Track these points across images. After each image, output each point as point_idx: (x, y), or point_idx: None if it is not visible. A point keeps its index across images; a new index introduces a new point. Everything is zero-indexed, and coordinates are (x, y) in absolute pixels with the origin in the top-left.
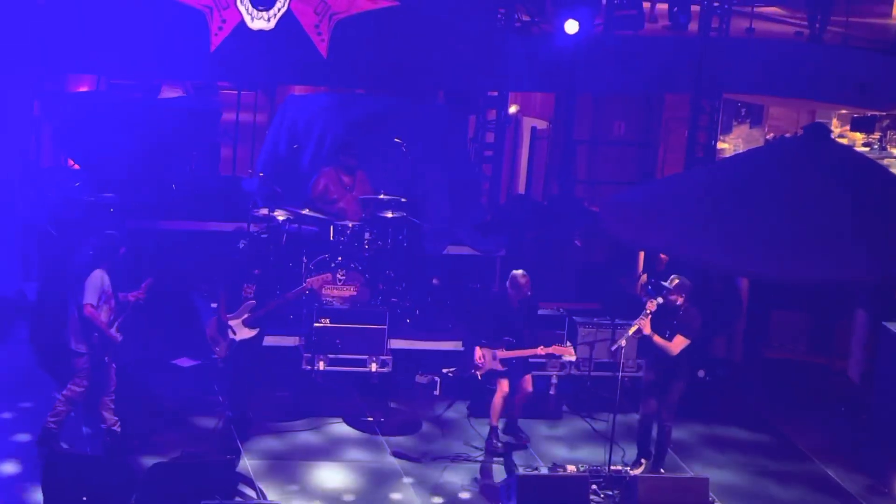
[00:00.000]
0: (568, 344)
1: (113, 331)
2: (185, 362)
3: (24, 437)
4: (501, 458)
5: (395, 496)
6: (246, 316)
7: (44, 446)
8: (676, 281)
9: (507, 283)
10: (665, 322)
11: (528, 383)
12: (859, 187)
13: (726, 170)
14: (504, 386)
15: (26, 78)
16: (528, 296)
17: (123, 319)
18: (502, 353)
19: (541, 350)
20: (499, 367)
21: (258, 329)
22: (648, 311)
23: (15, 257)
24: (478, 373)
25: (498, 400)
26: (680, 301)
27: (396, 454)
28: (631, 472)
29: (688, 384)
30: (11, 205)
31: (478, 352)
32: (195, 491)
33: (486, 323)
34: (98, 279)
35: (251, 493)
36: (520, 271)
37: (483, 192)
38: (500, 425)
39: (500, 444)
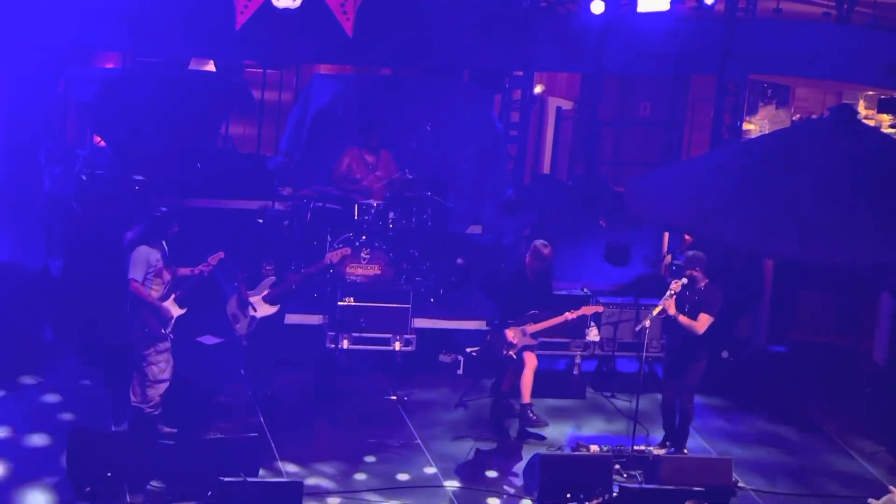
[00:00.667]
0: (595, 303)
1: (167, 304)
2: (209, 340)
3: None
4: (527, 438)
5: (420, 476)
6: (266, 292)
7: (146, 432)
8: (689, 254)
9: (528, 254)
10: (686, 299)
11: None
12: (885, 169)
13: (752, 151)
14: (533, 360)
15: (52, 55)
16: (544, 267)
17: (183, 293)
18: (532, 328)
19: (570, 315)
20: (530, 341)
21: (279, 306)
22: (673, 291)
23: (40, 234)
24: (511, 352)
25: (528, 375)
26: (698, 275)
27: (420, 433)
28: (654, 452)
29: (709, 364)
30: (37, 182)
31: (509, 333)
32: (218, 468)
33: (505, 300)
34: (143, 255)
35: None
36: (541, 241)
37: (508, 171)
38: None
39: (535, 417)
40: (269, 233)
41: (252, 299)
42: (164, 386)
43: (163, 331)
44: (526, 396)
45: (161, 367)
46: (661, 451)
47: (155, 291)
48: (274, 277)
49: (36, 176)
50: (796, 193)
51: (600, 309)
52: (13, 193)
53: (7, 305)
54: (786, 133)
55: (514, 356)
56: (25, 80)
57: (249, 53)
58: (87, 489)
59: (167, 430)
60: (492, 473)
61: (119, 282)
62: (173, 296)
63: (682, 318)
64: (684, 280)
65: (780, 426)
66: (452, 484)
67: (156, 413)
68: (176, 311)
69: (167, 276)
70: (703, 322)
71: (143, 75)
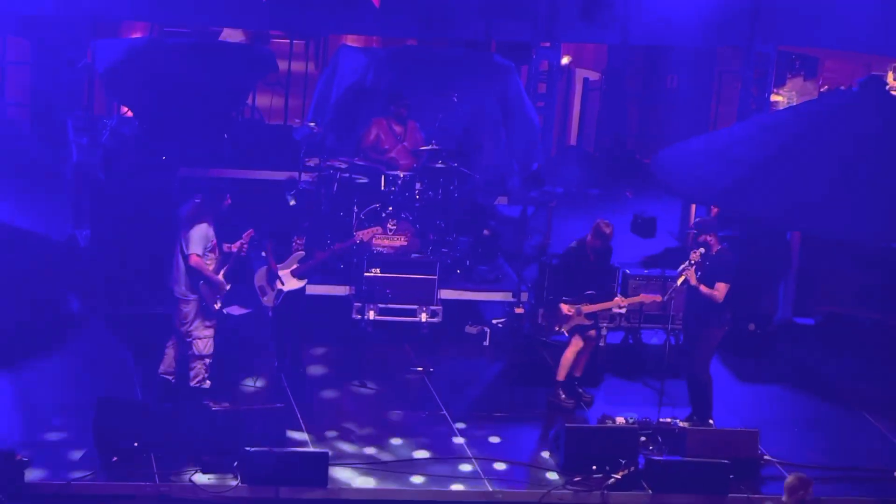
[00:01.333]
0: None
1: (219, 277)
2: (235, 310)
3: None
4: (552, 410)
5: (446, 447)
6: (295, 266)
7: (196, 408)
8: (699, 221)
9: (590, 233)
10: (700, 266)
11: (594, 336)
12: None
13: (780, 123)
14: (578, 341)
15: (80, 26)
16: (605, 246)
17: (228, 268)
18: (587, 307)
19: (621, 300)
20: (584, 321)
21: (306, 280)
22: (693, 261)
23: (67, 204)
24: (564, 329)
25: (570, 355)
26: (711, 240)
27: (446, 404)
28: (681, 424)
29: (735, 336)
30: (64, 152)
31: (564, 308)
32: (244, 438)
33: (564, 278)
34: (203, 230)
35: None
36: (603, 220)
37: (536, 142)
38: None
39: (564, 397)
40: (298, 205)
41: (280, 273)
42: (208, 361)
43: (215, 306)
44: (561, 374)
45: (206, 342)
46: (688, 424)
47: (209, 265)
48: (303, 252)
49: (63, 147)
50: (824, 166)
51: (658, 298)
52: (42, 164)
53: (35, 275)
54: (814, 105)
55: (566, 333)
56: (53, 51)
57: (276, 24)
58: (114, 459)
59: (215, 405)
60: (518, 444)
61: (147, 251)
62: (223, 271)
63: (704, 288)
64: (702, 249)
65: (807, 399)
66: (478, 454)
67: (205, 387)
68: (226, 286)
69: (218, 252)
70: (721, 290)
71: (170, 45)
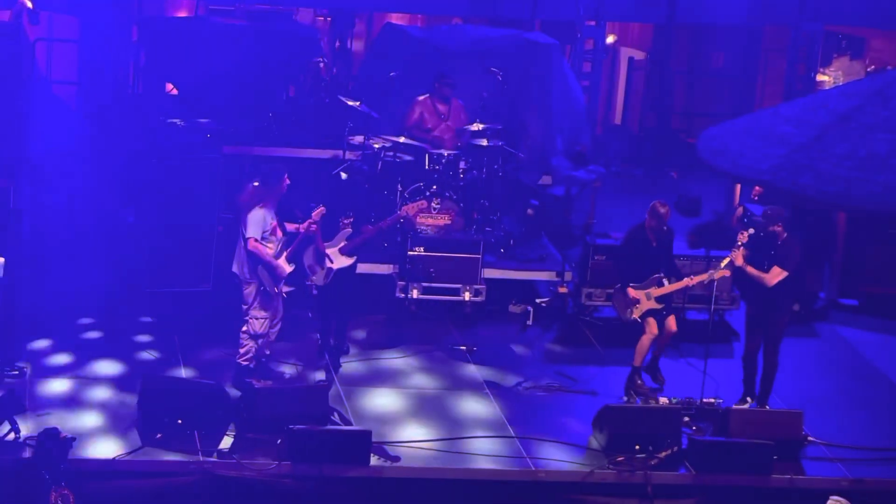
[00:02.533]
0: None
1: (281, 261)
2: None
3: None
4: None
5: (489, 425)
6: (343, 244)
7: (239, 385)
8: (770, 210)
9: (647, 215)
10: (763, 253)
11: (673, 322)
12: None
13: (826, 102)
14: (653, 327)
15: (124, 3)
16: (664, 227)
17: (293, 250)
18: (657, 291)
19: (691, 280)
20: (655, 305)
21: (355, 257)
22: (740, 243)
23: (114, 184)
24: (635, 315)
25: (646, 341)
26: (779, 230)
27: (489, 383)
28: (735, 407)
29: (791, 319)
30: (109, 131)
31: (631, 292)
32: (287, 416)
33: (629, 265)
34: (260, 214)
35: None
36: (658, 200)
37: (581, 122)
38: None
39: (641, 383)
40: (349, 183)
41: (328, 251)
42: (261, 341)
43: (275, 289)
44: (637, 359)
45: (261, 322)
46: (744, 406)
47: (269, 249)
48: (350, 230)
49: (108, 125)
50: (870, 146)
51: (727, 273)
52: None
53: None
54: (860, 85)
55: (639, 320)
56: (101, 29)
57: (321, 1)
58: (159, 436)
59: (258, 383)
60: (560, 423)
61: (189, 230)
62: (285, 253)
63: (750, 269)
64: (751, 230)
65: (851, 380)
66: (521, 433)
67: (251, 366)
68: (288, 269)
69: (280, 234)
70: (773, 274)
71: (216, 23)
